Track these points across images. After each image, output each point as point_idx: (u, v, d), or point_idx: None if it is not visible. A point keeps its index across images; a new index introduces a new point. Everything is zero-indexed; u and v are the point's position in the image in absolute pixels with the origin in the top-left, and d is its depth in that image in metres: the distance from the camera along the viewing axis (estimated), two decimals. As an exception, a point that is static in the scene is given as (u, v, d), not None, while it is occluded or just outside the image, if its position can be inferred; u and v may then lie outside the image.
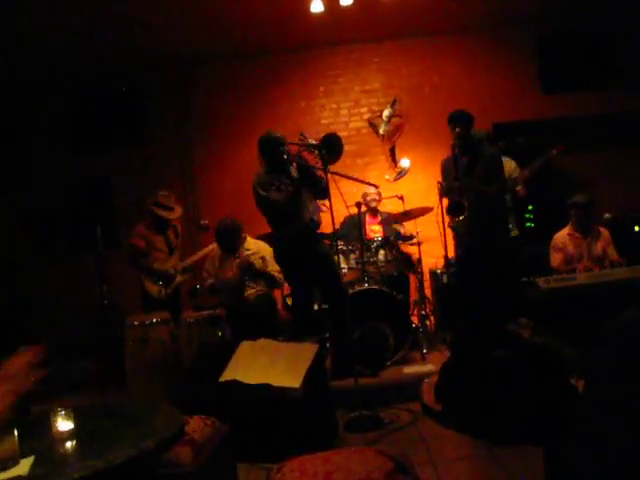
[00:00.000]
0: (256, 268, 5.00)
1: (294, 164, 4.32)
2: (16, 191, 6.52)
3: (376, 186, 5.10)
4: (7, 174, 6.58)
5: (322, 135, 4.28)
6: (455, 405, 3.64)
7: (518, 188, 5.46)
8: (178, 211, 5.24)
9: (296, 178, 4.28)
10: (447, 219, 4.46)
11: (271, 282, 5.12)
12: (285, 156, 4.24)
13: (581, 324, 3.90)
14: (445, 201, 4.44)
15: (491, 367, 3.43)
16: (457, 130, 4.45)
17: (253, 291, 5.13)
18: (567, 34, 6.45)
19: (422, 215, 5.22)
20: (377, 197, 5.81)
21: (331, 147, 4.09)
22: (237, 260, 5.03)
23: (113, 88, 6.69)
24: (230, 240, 5.04)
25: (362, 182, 4.63)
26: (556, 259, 5.07)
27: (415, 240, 5.53)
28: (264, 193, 4.24)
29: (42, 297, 6.35)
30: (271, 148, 4.28)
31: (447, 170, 4.60)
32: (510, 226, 5.20)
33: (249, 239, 5.23)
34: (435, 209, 4.64)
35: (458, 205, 4.33)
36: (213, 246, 5.27)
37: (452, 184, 4.42)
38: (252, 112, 6.61)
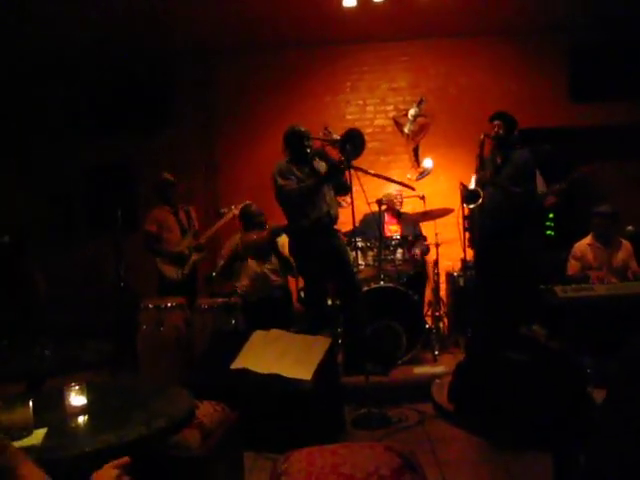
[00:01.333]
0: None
1: (318, 159, 4.33)
2: (36, 174, 6.59)
3: (408, 186, 5.11)
4: (29, 158, 6.65)
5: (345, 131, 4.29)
6: (468, 406, 3.63)
7: (548, 199, 5.42)
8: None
9: (320, 172, 4.29)
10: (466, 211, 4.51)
11: (287, 266, 5.15)
12: (309, 150, 4.29)
13: (597, 335, 3.87)
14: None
15: (506, 370, 3.41)
16: (497, 129, 4.47)
17: (270, 272, 5.18)
18: (598, 43, 6.36)
19: (443, 216, 5.21)
20: (400, 199, 5.78)
21: (352, 143, 4.09)
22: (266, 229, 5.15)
23: (135, 75, 6.70)
24: (259, 217, 5.22)
25: (399, 183, 4.64)
26: (573, 267, 5.04)
27: (426, 242, 5.53)
28: (281, 182, 4.26)
29: (60, 277, 6.41)
30: (295, 141, 4.33)
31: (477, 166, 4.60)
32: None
33: None
34: (456, 210, 4.62)
35: (473, 192, 4.34)
36: (227, 218, 5.33)
37: (478, 175, 4.47)
38: (277, 104, 6.61)
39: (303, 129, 4.36)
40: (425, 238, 5.64)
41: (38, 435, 1.81)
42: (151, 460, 2.24)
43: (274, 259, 5.24)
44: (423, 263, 5.57)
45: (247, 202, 5.36)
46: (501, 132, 4.49)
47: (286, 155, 4.42)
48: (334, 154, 4.33)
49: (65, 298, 6.04)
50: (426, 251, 5.56)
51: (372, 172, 4.23)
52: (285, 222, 4.63)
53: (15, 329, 4.68)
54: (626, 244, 5.05)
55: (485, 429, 3.43)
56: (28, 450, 1.70)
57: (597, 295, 4.34)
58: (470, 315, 4.84)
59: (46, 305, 5.43)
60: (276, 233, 5.03)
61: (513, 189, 4.40)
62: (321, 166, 4.37)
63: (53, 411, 2.05)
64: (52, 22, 5.51)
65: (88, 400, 2.02)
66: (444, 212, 5.12)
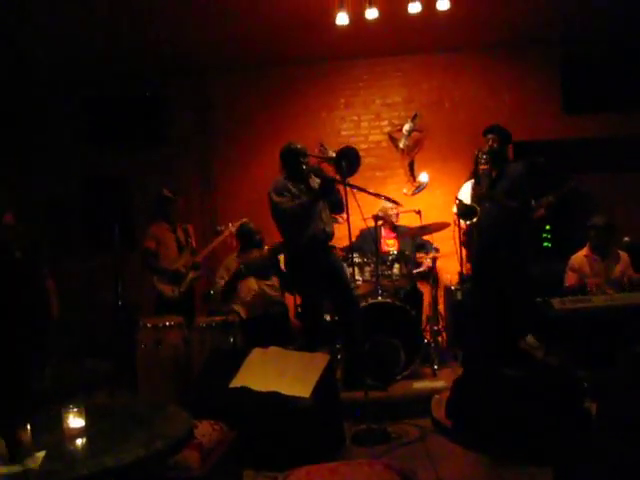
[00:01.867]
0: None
1: (313, 176, 4.36)
2: (33, 191, 6.60)
3: (397, 203, 5.12)
4: (25, 172, 6.67)
5: (340, 147, 4.31)
6: (466, 422, 3.61)
7: (538, 211, 5.44)
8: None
9: (315, 189, 4.31)
10: (463, 226, 4.52)
11: (286, 283, 5.17)
12: (304, 167, 4.31)
13: (594, 347, 3.87)
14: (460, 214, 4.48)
15: (503, 386, 3.40)
16: (491, 142, 4.47)
17: (269, 288, 5.19)
18: (591, 55, 6.42)
19: (439, 230, 5.22)
20: (395, 213, 5.80)
21: (348, 159, 4.11)
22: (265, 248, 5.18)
23: (134, 90, 6.76)
24: (256, 235, 5.27)
25: (384, 198, 4.65)
26: (571, 279, 5.04)
27: (431, 253, 5.54)
28: (277, 200, 4.28)
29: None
30: (292, 158, 4.35)
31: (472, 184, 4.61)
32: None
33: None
34: (452, 225, 4.64)
35: (470, 208, 4.35)
36: (222, 237, 5.34)
37: (475, 191, 4.48)
38: (272, 120, 6.65)
39: (299, 146, 4.38)
40: (430, 243, 5.66)
41: (37, 458, 1.80)
42: (150, 481, 2.23)
43: (274, 277, 5.25)
44: (434, 270, 5.57)
45: (244, 220, 5.37)
46: (495, 146, 4.48)
47: (283, 172, 4.44)
48: (330, 172, 4.35)
49: (62, 316, 6.03)
50: (434, 260, 5.57)
51: (362, 189, 4.22)
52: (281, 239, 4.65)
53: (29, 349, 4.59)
54: (623, 255, 5.07)
55: (483, 445, 3.42)
56: (26, 473, 1.70)
57: (595, 306, 4.34)
58: (467, 330, 4.84)
59: (57, 324, 5.36)
60: (277, 251, 5.04)
61: (509, 203, 4.40)
62: (316, 183, 4.39)
63: (51, 433, 2.04)
64: (52, 38, 5.57)
65: (86, 422, 2.02)
66: (440, 227, 5.14)
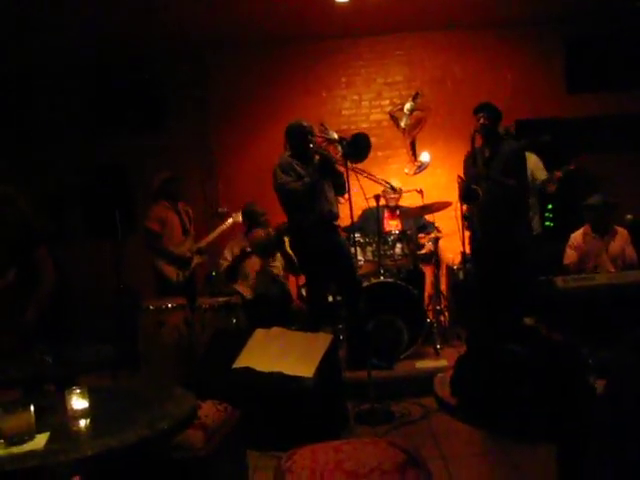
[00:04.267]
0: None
1: (317, 155, 4.32)
2: (34, 175, 6.57)
3: (396, 189, 5.10)
4: (24, 158, 6.63)
5: (352, 133, 4.26)
6: (470, 399, 3.63)
7: (549, 185, 5.42)
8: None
9: (317, 169, 4.28)
10: (464, 208, 4.50)
11: (290, 264, 5.15)
12: (311, 146, 4.25)
13: (598, 325, 3.87)
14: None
15: (508, 362, 3.40)
16: (482, 121, 4.42)
17: (273, 267, 5.21)
18: (594, 34, 6.36)
19: (441, 210, 5.19)
20: (397, 196, 5.76)
21: (359, 147, 4.07)
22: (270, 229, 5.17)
23: (132, 74, 6.69)
24: (262, 216, 5.22)
25: (383, 182, 4.63)
26: (569, 256, 5.08)
27: (433, 234, 5.52)
28: (282, 179, 4.23)
29: (59, 280, 6.39)
30: (298, 136, 4.29)
31: (468, 165, 4.58)
32: (534, 223, 5.25)
33: None
34: (454, 203, 4.61)
35: (472, 191, 4.33)
36: (228, 224, 5.34)
37: (471, 171, 4.44)
38: (272, 101, 6.60)
39: (306, 124, 4.31)
40: (433, 225, 5.64)
41: (40, 440, 1.80)
42: (154, 461, 2.24)
43: (279, 257, 5.24)
44: (436, 253, 5.56)
45: (249, 202, 5.35)
46: (487, 123, 4.43)
47: (287, 150, 4.38)
48: (333, 153, 4.32)
49: (66, 301, 6.04)
50: (435, 240, 5.54)
51: (368, 174, 4.20)
52: (285, 219, 4.63)
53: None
54: (622, 231, 5.09)
55: (486, 422, 3.43)
56: (30, 455, 1.70)
57: (598, 284, 4.33)
58: (470, 308, 4.84)
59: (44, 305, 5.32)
60: (283, 232, 5.02)
61: (507, 181, 4.38)
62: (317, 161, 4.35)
63: (55, 415, 2.04)
64: (52, 23, 5.50)
65: (90, 403, 2.02)
66: (443, 206, 5.11)
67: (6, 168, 6.65)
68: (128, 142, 6.60)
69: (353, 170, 4.05)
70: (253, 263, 5.22)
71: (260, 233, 5.19)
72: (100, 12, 5.38)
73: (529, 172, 5.03)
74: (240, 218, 5.39)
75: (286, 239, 5.06)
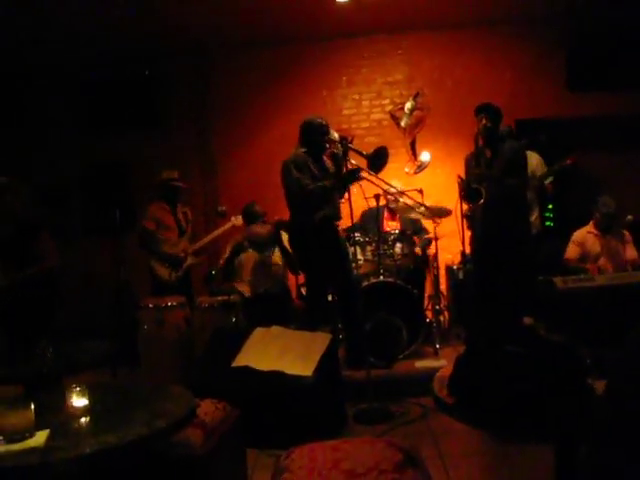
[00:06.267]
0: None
1: (327, 156, 4.32)
2: (33, 173, 6.57)
3: (402, 193, 5.12)
4: (24, 156, 6.63)
5: (374, 147, 4.30)
6: (468, 399, 3.63)
7: (547, 182, 5.43)
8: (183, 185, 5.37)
9: (332, 171, 4.27)
10: (465, 208, 4.52)
11: (289, 259, 5.14)
12: (327, 145, 4.24)
13: (597, 325, 3.87)
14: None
15: (506, 362, 3.41)
16: (484, 122, 4.41)
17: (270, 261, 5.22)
18: (595, 33, 6.34)
19: (440, 217, 5.17)
20: (396, 199, 5.74)
21: (382, 160, 4.13)
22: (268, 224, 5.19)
23: (131, 72, 6.67)
24: (262, 217, 5.25)
25: (386, 184, 4.66)
26: (572, 251, 5.15)
27: (429, 236, 5.51)
28: (298, 177, 4.18)
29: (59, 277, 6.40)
30: (315, 134, 4.26)
31: (469, 164, 4.58)
32: (533, 219, 5.24)
33: None
34: (454, 203, 4.61)
35: (474, 191, 4.33)
36: (226, 227, 5.32)
37: (473, 171, 4.45)
38: (272, 100, 6.60)
39: (324, 122, 4.28)
40: (426, 231, 5.62)
41: (40, 437, 1.81)
42: (153, 459, 2.25)
43: (276, 252, 5.24)
44: (425, 258, 5.55)
45: (248, 203, 5.35)
46: (489, 124, 4.43)
47: (300, 146, 4.34)
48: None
49: (65, 298, 6.04)
50: (427, 243, 5.53)
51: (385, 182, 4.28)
52: (283, 218, 4.63)
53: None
54: (626, 234, 5.16)
55: (485, 422, 3.44)
56: (30, 452, 1.71)
57: (597, 285, 4.34)
58: (469, 308, 4.85)
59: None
60: (280, 226, 5.01)
61: (508, 181, 4.38)
62: (328, 164, 4.34)
63: (55, 412, 2.05)
64: (52, 21, 5.51)
65: (89, 401, 2.03)
66: (443, 212, 5.09)
67: (6, 168, 6.65)
68: (128, 141, 6.60)
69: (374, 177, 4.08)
70: (250, 255, 5.22)
71: (256, 228, 5.19)
72: (101, 10, 5.38)
73: (530, 171, 5.03)
74: (240, 221, 5.36)
75: (284, 234, 5.06)
